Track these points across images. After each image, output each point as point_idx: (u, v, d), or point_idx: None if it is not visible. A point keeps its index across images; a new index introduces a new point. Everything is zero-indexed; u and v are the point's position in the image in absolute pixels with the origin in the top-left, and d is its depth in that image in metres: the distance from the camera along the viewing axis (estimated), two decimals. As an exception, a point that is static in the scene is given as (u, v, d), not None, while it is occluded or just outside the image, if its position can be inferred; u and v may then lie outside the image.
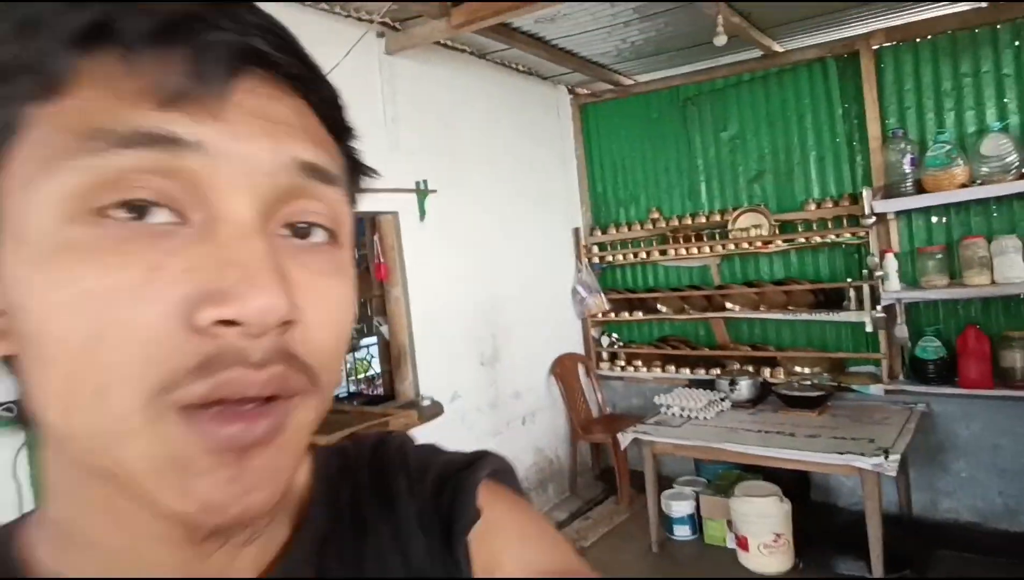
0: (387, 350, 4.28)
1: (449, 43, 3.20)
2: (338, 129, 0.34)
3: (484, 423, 3.47)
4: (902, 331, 3.20)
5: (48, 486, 0.32)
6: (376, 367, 6.48)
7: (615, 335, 4.34)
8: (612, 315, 4.18)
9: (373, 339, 6.00)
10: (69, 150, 0.26)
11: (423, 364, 3.13)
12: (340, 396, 4.65)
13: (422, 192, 3.11)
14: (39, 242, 0.26)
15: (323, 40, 2.72)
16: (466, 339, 3.41)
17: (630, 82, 4.01)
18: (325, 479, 0.40)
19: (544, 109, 4.08)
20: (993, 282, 2.91)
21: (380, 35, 2.94)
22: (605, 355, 4.29)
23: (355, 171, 0.36)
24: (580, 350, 4.26)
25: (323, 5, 2.69)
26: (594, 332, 4.31)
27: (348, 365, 6.28)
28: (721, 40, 2.71)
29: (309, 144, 0.30)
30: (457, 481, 0.41)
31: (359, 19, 2.84)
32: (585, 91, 4.28)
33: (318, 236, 0.31)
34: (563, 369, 4.07)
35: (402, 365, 3.11)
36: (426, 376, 3.13)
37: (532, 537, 0.41)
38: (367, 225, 4.22)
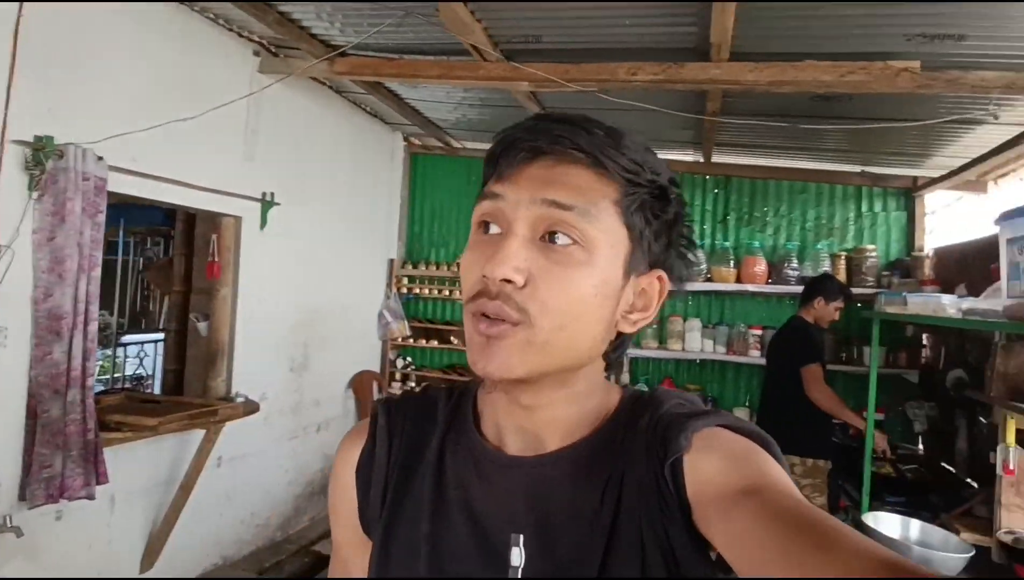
0: (181, 347, 4.18)
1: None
2: (625, 174, 0.53)
3: (286, 425, 3.67)
4: (625, 378, 4.34)
5: None
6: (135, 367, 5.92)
7: (409, 358, 4.87)
8: (411, 341, 4.71)
9: (155, 336, 5.55)
10: (477, 201, 0.56)
11: (238, 363, 3.25)
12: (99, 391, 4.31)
13: (267, 203, 3.32)
14: (471, 235, 0.57)
15: (204, 49, 2.88)
16: (282, 344, 3.61)
17: (459, 145, 4.72)
18: (623, 407, 0.59)
19: (380, 149, 4.55)
20: (683, 349, 4.19)
21: (256, 54, 3.16)
22: (398, 375, 4.78)
23: (650, 196, 0.55)
24: (377, 369, 4.68)
25: (210, 15, 2.86)
26: (391, 354, 4.78)
27: (99, 361, 5.66)
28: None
29: (558, 188, 0.51)
30: (678, 423, 0.53)
31: (240, 35, 3.05)
32: (418, 142, 4.86)
33: (563, 240, 0.51)
34: (360, 384, 4.44)
35: (217, 362, 3.19)
36: (239, 375, 3.26)
37: (738, 459, 0.50)
38: (181, 221, 4.14)
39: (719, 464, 0.50)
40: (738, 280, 4.07)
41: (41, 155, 2.14)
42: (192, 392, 3.81)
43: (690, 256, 0.59)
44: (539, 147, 0.52)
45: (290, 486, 3.76)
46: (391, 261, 4.75)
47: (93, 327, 2.32)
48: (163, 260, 5.07)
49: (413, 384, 4.73)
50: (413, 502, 0.59)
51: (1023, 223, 1.72)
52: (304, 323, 3.79)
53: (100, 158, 2.32)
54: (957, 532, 2.15)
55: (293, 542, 3.66)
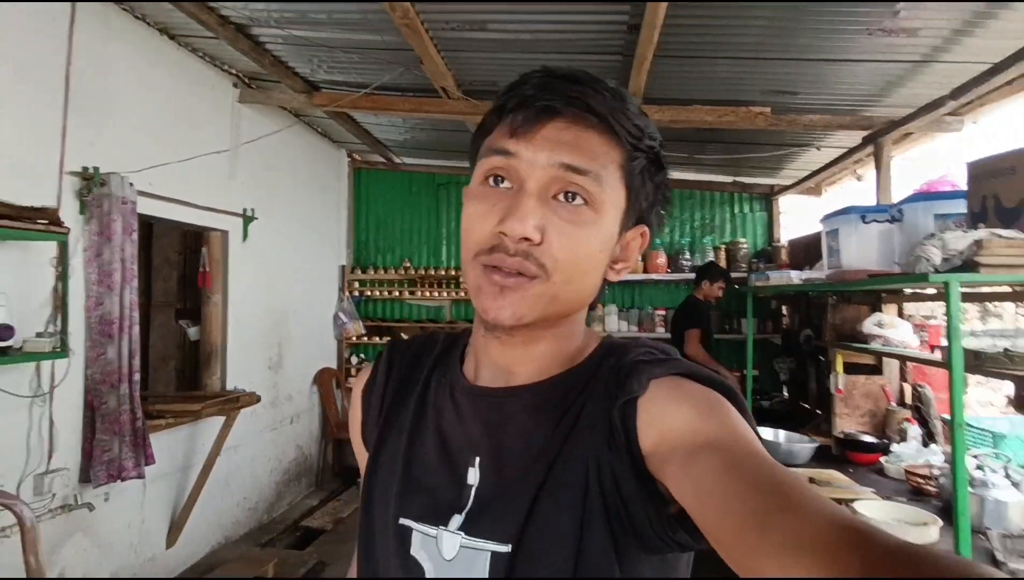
0: (142, 352, 4.38)
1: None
2: (631, 140, 0.57)
3: (265, 419, 4.05)
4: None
5: None
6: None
7: (363, 355, 5.33)
8: (365, 339, 5.18)
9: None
10: (484, 153, 0.59)
11: (230, 362, 3.61)
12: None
13: (248, 217, 3.71)
14: (471, 189, 0.60)
15: (195, 81, 3.26)
16: (261, 345, 3.99)
17: (399, 161, 5.26)
18: (596, 354, 0.63)
19: (329, 165, 4.99)
20: (604, 330, 5.02)
21: (235, 85, 3.56)
22: (353, 372, 5.22)
23: (647, 160, 0.59)
24: (334, 365, 5.10)
25: (201, 53, 3.25)
26: (346, 352, 5.22)
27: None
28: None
29: (574, 153, 0.55)
30: (637, 369, 0.57)
31: (221, 68, 3.45)
32: (359, 158, 5.34)
33: (578, 201, 0.56)
34: (322, 380, 4.86)
35: (211, 362, 3.54)
36: (231, 373, 3.62)
37: (702, 410, 0.52)
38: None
39: (682, 414, 0.51)
40: (645, 271, 4.97)
41: (92, 184, 2.49)
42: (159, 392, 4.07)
43: (664, 211, 0.65)
44: (554, 107, 0.55)
45: (271, 474, 4.14)
46: (342, 267, 5.20)
47: (135, 330, 2.68)
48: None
49: (366, 378, 5.19)
50: (400, 422, 0.68)
51: (835, 221, 2.64)
52: (277, 325, 4.18)
53: (131, 184, 2.68)
54: (808, 436, 3.09)
55: (279, 522, 4.04)
